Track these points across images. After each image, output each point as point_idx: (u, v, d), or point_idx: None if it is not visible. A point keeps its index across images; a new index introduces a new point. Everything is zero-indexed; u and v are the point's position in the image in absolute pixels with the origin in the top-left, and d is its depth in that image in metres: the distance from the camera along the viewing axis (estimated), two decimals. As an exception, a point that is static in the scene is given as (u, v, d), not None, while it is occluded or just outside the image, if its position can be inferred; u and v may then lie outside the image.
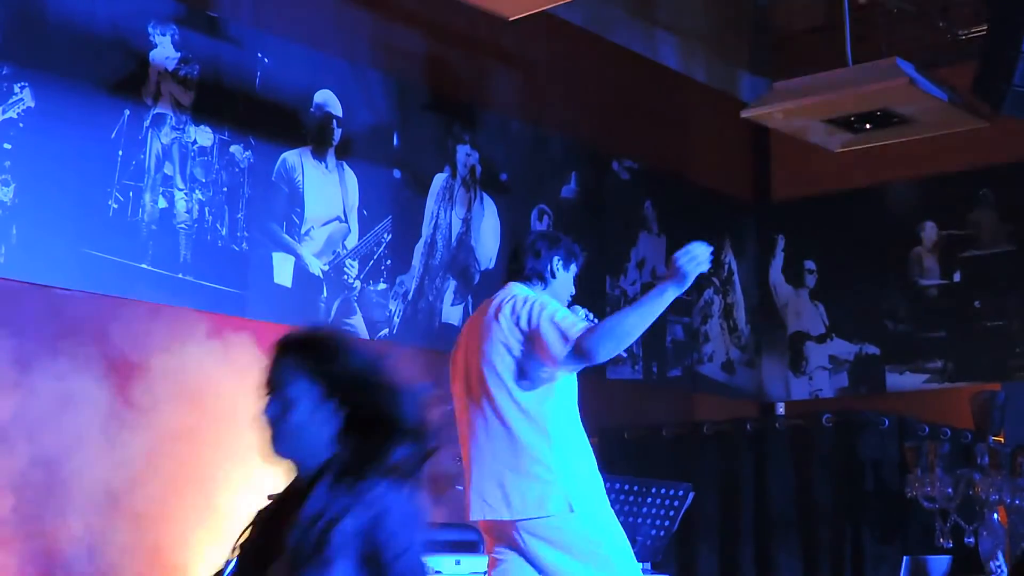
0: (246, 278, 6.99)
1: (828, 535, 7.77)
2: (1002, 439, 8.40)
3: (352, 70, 7.66)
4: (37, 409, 5.82)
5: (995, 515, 7.44)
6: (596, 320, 4.59)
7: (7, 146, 6.01)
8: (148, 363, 6.26)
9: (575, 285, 4.80)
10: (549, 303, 4.50)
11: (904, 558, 6.50)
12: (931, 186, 9.91)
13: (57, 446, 5.85)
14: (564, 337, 4.37)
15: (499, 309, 4.55)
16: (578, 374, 4.62)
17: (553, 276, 4.69)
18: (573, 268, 4.74)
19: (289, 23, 7.35)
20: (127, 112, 6.53)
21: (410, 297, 7.85)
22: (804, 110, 7.48)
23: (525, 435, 4.45)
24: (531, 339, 4.45)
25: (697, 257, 4.35)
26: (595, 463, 4.58)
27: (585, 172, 9.16)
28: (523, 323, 4.48)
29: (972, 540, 7.38)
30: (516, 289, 4.64)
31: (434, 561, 5.61)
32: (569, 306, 4.69)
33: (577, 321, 4.42)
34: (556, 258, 4.70)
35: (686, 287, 4.38)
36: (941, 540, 7.35)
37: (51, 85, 6.19)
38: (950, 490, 7.36)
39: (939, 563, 6.77)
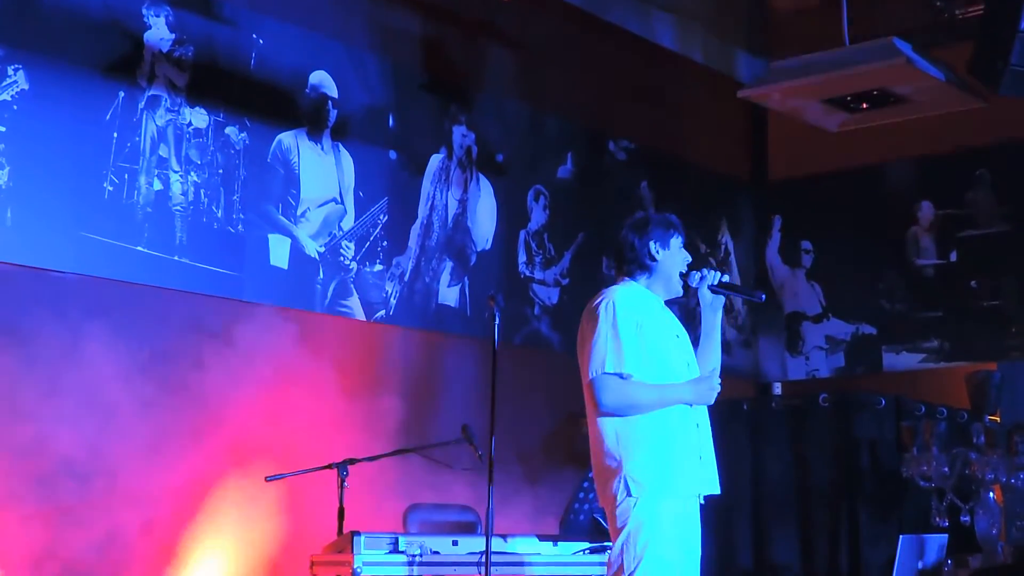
0: (242, 260, 6.99)
1: (824, 514, 7.80)
2: (998, 418, 8.43)
3: (347, 51, 7.64)
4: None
5: (991, 494, 7.46)
6: (710, 274, 4.72)
7: (1, 129, 6.00)
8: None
9: (684, 253, 4.79)
10: (617, 320, 4.56)
11: (900, 537, 6.51)
12: (928, 166, 9.90)
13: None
14: (599, 364, 4.55)
15: (586, 310, 4.70)
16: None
17: (654, 260, 4.72)
18: (675, 242, 4.75)
19: (284, 4, 7.33)
20: (122, 94, 6.51)
21: (407, 278, 7.84)
22: (801, 90, 7.46)
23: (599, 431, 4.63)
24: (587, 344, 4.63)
25: (715, 387, 4.64)
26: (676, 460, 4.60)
27: (582, 153, 9.15)
28: (588, 330, 4.64)
29: (968, 519, 7.40)
30: (607, 292, 4.70)
31: (432, 542, 5.62)
32: (686, 273, 4.72)
33: (623, 360, 4.53)
34: (651, 243, 4.73)
35: (699, 405, 4.64)
36: (937, 519, 7.37)
37: (45, 67, 6.17)
38: (946, 469, 7.38)
39: (935, 542, 6.78)
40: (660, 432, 4.54)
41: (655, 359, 4.58)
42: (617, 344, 4.55)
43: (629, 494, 4.49)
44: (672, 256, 4.74)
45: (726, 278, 4.79)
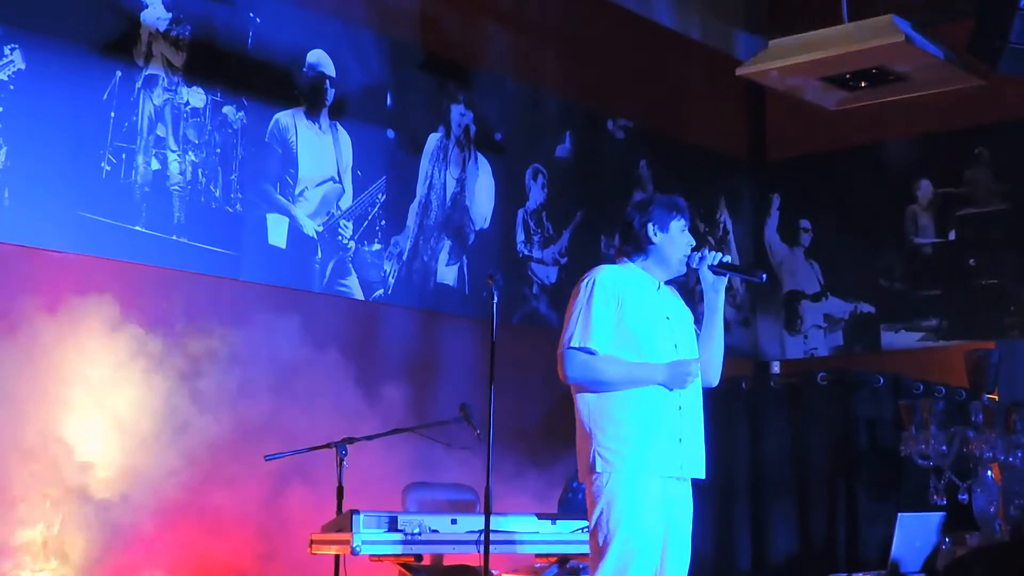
0: (240, 239, 6.98)
1: (822, 492, 7.80)
2: (996, 397, 8.42)
3: (345, 29, 7.62)
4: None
5: (989, 472, 7.47)
6: (710, 254, 4.69)
7: (-2, 108, 6.00)
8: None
9: (687, 236, 4.74)
10: (592, 296, 4.56)
11: (898, 515, 6.52)
12: (927, 144, 9.89)
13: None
14: (567, 339, 4.56)
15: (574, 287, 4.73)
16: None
17: (651, 243, 4.71)
18: (676, 224, 4.71)
19: (281, -18, 7.32)
20: (119, 74, 6.49)
21: (405, 257, 7.84)
22: (799, 68, 7.44)
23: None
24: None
25: (691, 373, 4.57)
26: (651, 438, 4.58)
27: (580, 131, 9.13)
28: (569, 306, 4.65)
29: (966, 497, 7.40)
30: (593, 270, 4.71)
31: (430, 520, 5.63)
32: (690, 255, 4.70)
33: (589, 335, 4.54)
34: (650, 224, 4.70)
35: (671, 390, 4.58)
36: (935, 497, 7.37)
37: (42, 47, 6.16)
38: (944, 448, 7.38)
39: (933, 520, 6.79)
40: (634, 411, 4.52)
41: (634, 338, 4.56)
42: (587, 320, 4.56)
43: (597, 470, 4.50)
44: (671, 239, 4.71)
45: (727, 258, 4.77)
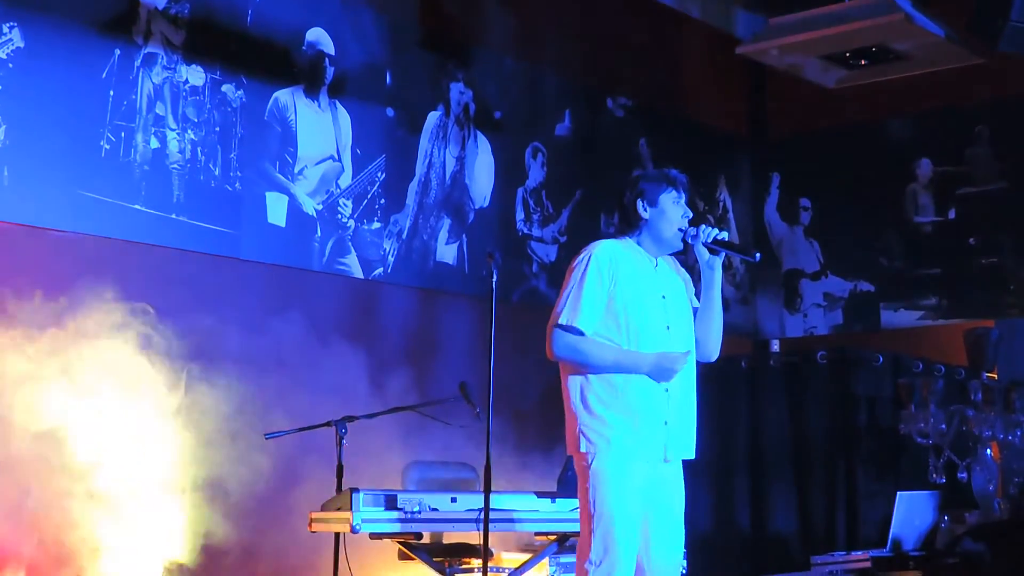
0: (239, 218, 6.98)
1: (822, 471, 7.82)
2: (995, 375, 8.44)
3: (344, 8, 7.60)
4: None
5: (988, 451, 7.49)
6: (705, 230, 4.63)
7: (-3, 86, 5.99)
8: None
9: (680, 208, 4.67)
10: (586, 274, 4.56)
11: (897, 493, 6.54)
12: (926, 123, 9.88)
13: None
14: (557, 314, 4.56)
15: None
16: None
17: (641, 218, 4.68)
18: (667, 197, 4.66)
19: (280, -40, 7.29)
20: (117, 52, 6.48)
21: (404, 236, 7.84)
22: (799, 46, 7.44)
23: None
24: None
25: (677, 368, 4.53)
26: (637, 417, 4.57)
27: (579, 110, 9.12)
28: (567, 277, 4.64)
29: (965, 475, 7.42)
30: (589, 246, 4.68)
31: (430, 498, 5.64)
32: (685, 230, 4.65)
33: (578, 314, 4.53)
34: (639, 200, 4.68)
35: (657, 381, 4.55)
36: (934, 475, 7.39)
37: (40, 25, 6.14)
38: (943, 426, 7.40)
39: (932, 498, 6.81)
40: (618, 392, 4.51)
41: (625, 317, 4.54)
42: (578, 298, 4.55)
43: (582, 450, 4.51)
44: (662, 213, 4.65)
45: (723, 235, 4.72)
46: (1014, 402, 7.59)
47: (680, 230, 4.66)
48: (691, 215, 4.71)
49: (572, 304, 4.55)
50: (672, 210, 4.66)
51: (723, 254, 4.70)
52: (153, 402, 6.22)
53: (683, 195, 4.69)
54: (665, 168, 4.83)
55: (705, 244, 4.65)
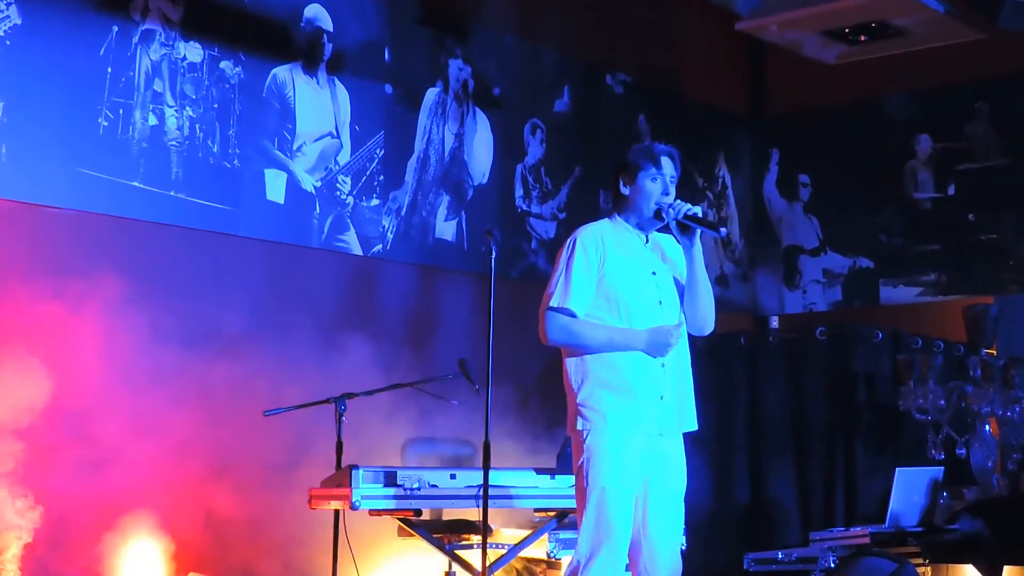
0: (238, 195, 6.97)
1: (821, 447, 7.83)
2: (994, 352, 8.45)
3: (342, -16, 7.58)
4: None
5: (987, 427, 7.50)
6: (676, 205, 4.58)
7: (-5, 63, 5.97)
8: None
9: (660, 183, 4.62)
10: (573, 255, 4.58)
11: (896, 469, 6.55)
12: (926, 99, 9.86)
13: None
14: (548, 296, 4.60)
15: None
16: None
17: (622, 195, 4.69)
18: (645, 174, 4.63)
19: (278, -64, 7.26)
20: (115, 28, 6.46)
21: (403, 213, 7.83)
22: (799, 22, 7.43)
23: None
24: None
25: (671, 342, 4.54)
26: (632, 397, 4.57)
27: (578, 86, 9.10)
28: (556, 261, 4.68)
29: (964, 451, 7.44)
30: (579, 228, 4.70)
31: (430, 475, 5.65)
32: (661, 204, 4.61)
33: (569, 296, 4.56)
34: (619, 180, 4.70)
35: (653, 356, 4.55)
36: (933, 452, 7.41)
37: (38, 1, 6.12)
38: (942, 402, 7.42)
39: (931, 474, 6.82)
40: (614, 368, 4.52)
41: (616, 296, 4.55)
42: (567, 281, 4.57)
43: (578, 427, 4.53)
44: (639, 190, 4.64)
45: (695, 210, 4.67)
46: (1013, 378, 7.61)
47: (656, 204, 4.64)
48: (669, 191, 4.66)
49: (563, 287, 4.57)
50: (649, 187, 4.64)
51: (698, 229, 4.66)
52: (151, 379, 6.23)
53: (664, 170, 4.65)
54: (653, 143, 4.83)
55: (676, 219, 4.62)
